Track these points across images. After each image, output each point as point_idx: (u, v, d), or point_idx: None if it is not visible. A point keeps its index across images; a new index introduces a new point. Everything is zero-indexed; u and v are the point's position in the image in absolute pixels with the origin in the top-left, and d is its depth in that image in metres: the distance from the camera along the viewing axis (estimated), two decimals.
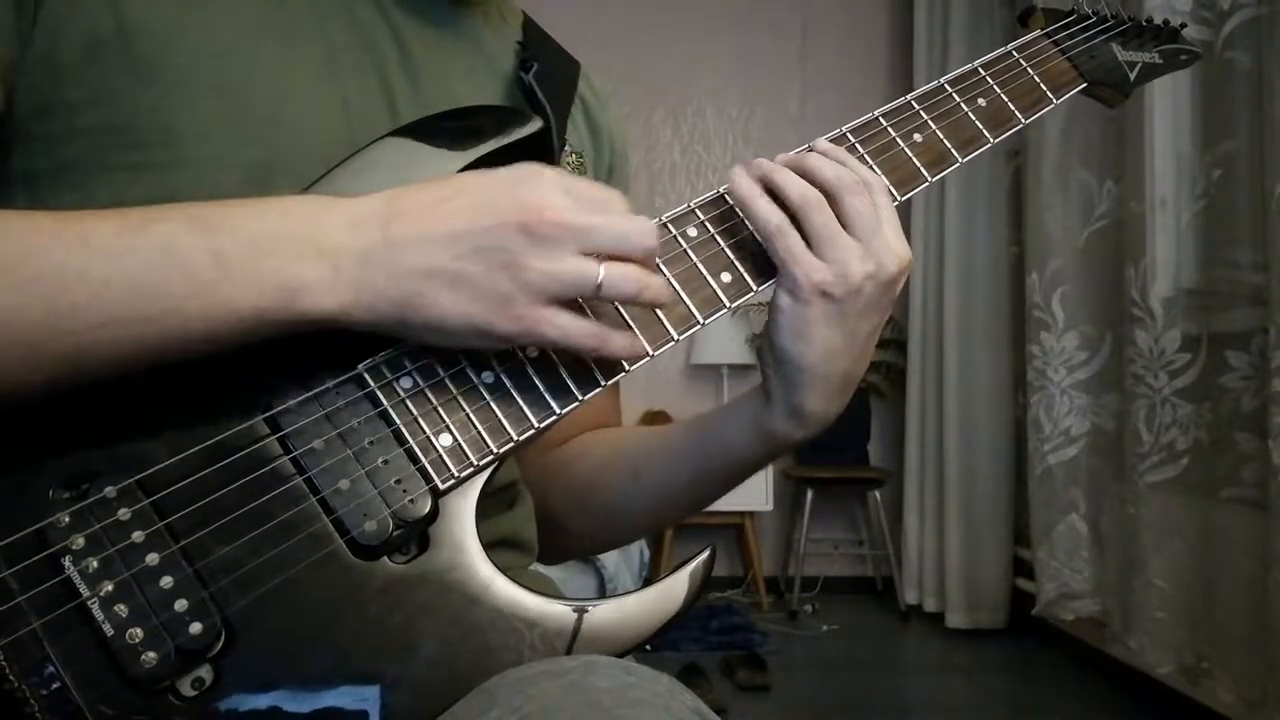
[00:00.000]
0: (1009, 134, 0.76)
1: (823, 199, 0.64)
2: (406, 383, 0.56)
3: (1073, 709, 2.95)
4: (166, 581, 0.50)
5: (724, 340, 4.15)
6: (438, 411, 0.57)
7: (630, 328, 0.60)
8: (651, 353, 0.60)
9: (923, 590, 3.97)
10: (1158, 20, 0.90)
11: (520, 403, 0.58)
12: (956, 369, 3.80)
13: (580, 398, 0.59)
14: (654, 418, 4.16)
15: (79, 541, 0.49)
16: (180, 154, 0.58)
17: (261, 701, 0.50)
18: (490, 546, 0.57)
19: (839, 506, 4.41)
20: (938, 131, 0.73)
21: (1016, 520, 3.74)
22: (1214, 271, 2.52)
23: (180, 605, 0.50)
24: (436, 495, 0.56)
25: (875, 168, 0.69)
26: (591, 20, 4.17)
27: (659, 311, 0.61)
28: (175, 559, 0.51)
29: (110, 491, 0.51)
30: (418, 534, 0.55)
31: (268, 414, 0.54)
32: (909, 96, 0.73)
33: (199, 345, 0.52)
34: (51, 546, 0.49)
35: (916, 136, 0.72)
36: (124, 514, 0.50)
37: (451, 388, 0.57)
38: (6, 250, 0.50)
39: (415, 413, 0.56)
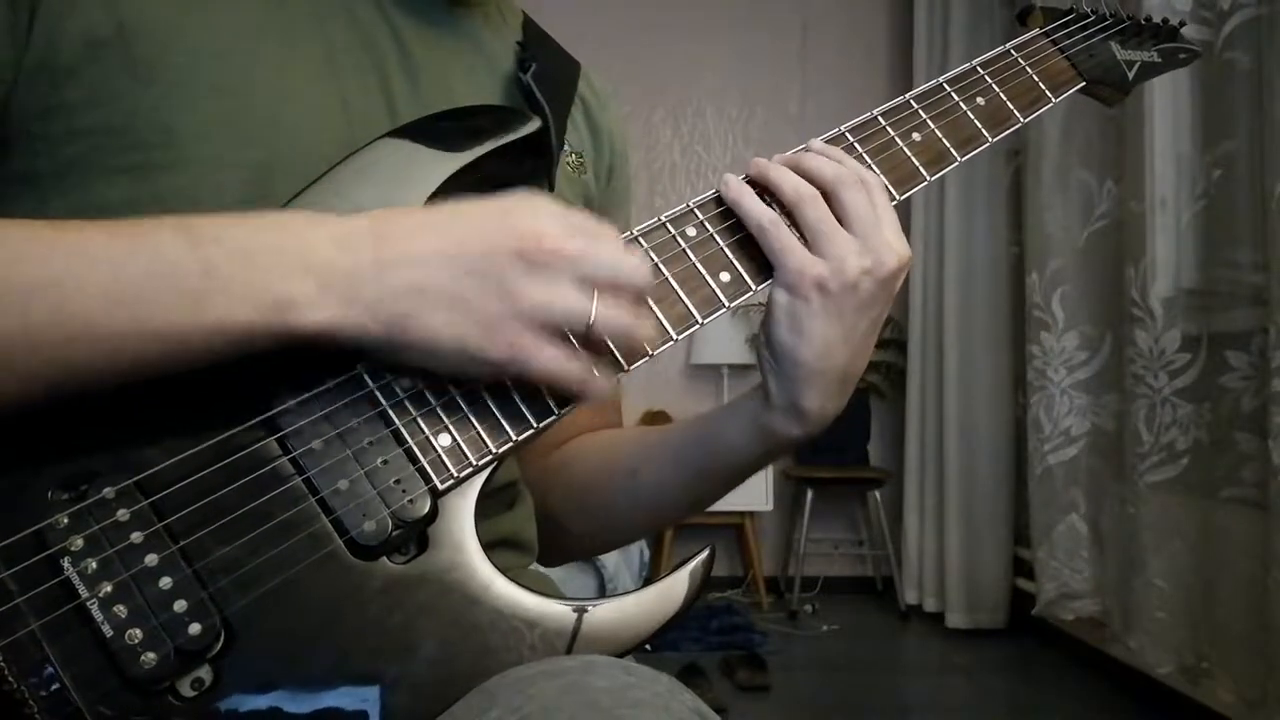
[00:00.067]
0: (1008, 133, 0.76)
1: (817, 195, 0.65)
2: (405, 383, 0.56)
3: (1073, 709, 2.95)
4: (165, 582, 0.50)
5: (724, 340, 4.15)
6: (437, 412, 0.57)
7: (616, 365, 0.59)
8: (651, 352, 0.60)
9: (923, 590, 3.97)
10: (1157, 19, 0.90)
11: (519, 403, 0.58)
12: (956, 369, 3.80)
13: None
14: (654, 418, 4.16)
15: (78, 542, 0.49)
16: (180, 154, 0.58)
17: (261, 702, 0.50)
18: (490, 547, 0.57)
19: (839, 506, 4.41)
20: (936, 131, 0.73)
21: (1016, 520, 3.74)
22: (1214, 271, 2.52)
23: (179, 606, 0.50)
24: (436, 495, 0.55)
25: (874, 167, 0.70)
26: (591, 20, 4.17)
27: (658, 311, 0.61)
28: (174, 560, 0.50)
29: (109, 492, 0.51)
30: (417, 534, 0.55)
31: (267, 414, 0.54)
32: (908, 96, 0.73)
33: (184, 359, 0.51)
34: (50, 547, 0.49)
35: (915, 136, 0.72)
36: (123, 515, 0.50)
37: (450, 388, 0.57)
38: None
39: (414, 413, 0.56)
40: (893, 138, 0.71)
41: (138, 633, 0.49)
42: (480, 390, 0.57)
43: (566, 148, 0.76)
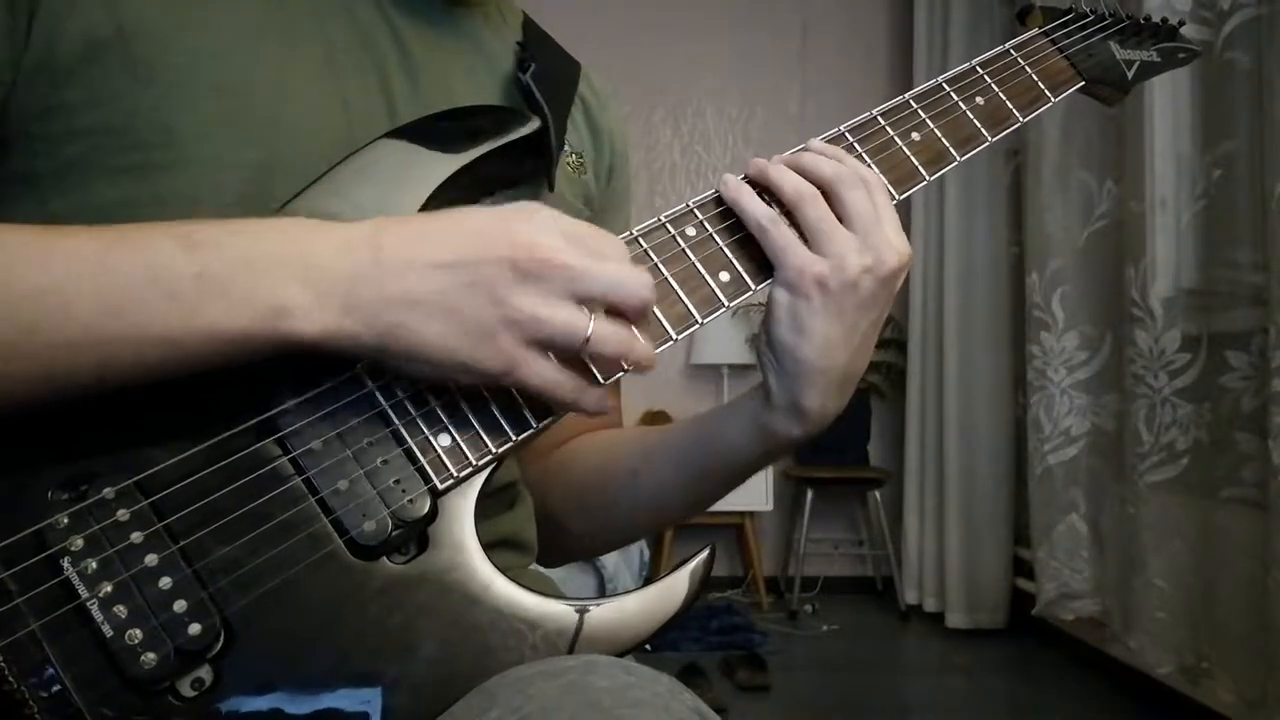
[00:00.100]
0: (1007, 132, 0.76)
1: (817, 193, 0.65)
2: (405, 383, 0.56)
3: (1073, 709, 2.95)
4: (165, 582, 0.50)
5: (724, 340, 4.16)
6: (436, 412, 0.57)
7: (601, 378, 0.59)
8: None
9: (923, 590, 3.97)
10: (1156, 19, 0.90)
11: (519, 403, 0.58)
12: (956, 369, 3.80)
13: None
14: (654, 418, 4.16)
15: (78, 543, 0.49)
16: (180, 154, 0.58)
17: (261, 702, 0.50)
18: (490, 547, 0.57)
19: (839, 506, 4.41)
20: (936, 130, 0.73)
21: (1016, 520, 3.74)
22: (1214, 271, 2.52)
23: (179, 606, 0.50)
24: (435, 495, 0.55)
25: (873, 167, 0.70)
26: (591, 20, 4.17)
27: (658, 310, 0.61)
28: (174, 560, 0.50)
29: (109, 493, 0.51)
30: (417, 534, 0.55)
31: (266, 415, 0.54)
32: (907, 95, 0.73)
33: (180, 365, 0.51)
34: (50, 548, 0.49)
35: (915, 135, 0.72)
36: (123, 515, 0.50)
37: (450, 388, 0.57)
38: None
39: (414, 413, 0.56)
40: (892, 137, 0.71)
41: (138, 633, 0.49)
42: (481, 391, 0.57)
43: (566, 148, 0.76)
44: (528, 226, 0.53)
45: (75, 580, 0.49)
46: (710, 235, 0.65)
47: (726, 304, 0.64)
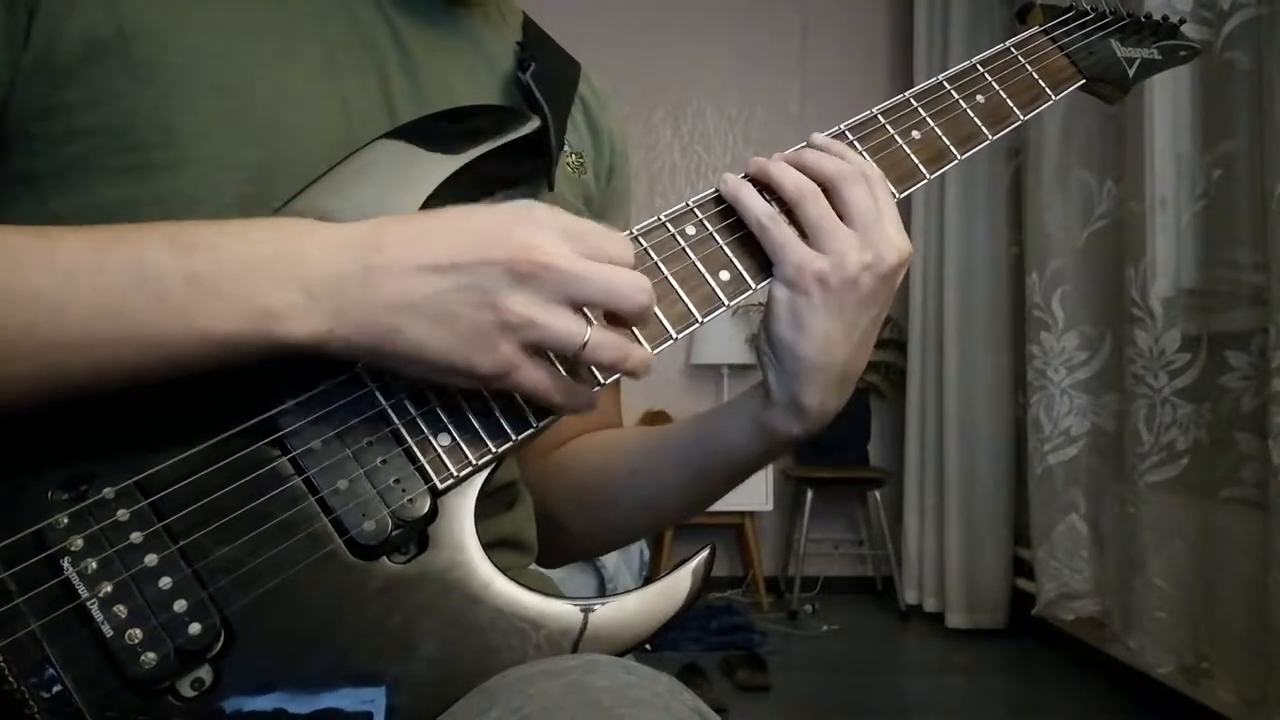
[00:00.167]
0: (1007, 131, 0.76)
1: (818, 190, 0.65)
2: (405, 383, 0.56)
3: (1073, 709, 2.95)
4: (165, 582, 0.50)
5: (724, 340, 4.16)
6: (436, 411, 0.57)
7: (596, 382, 0.59)
8: (652, 354, 0.60)
9: (923, 590, 3.97)
10: (1157, 17, 0.89)
11: (519, 403, 0.58)
12: (956, 369, 3.80)
13: None
14: (654, 418, 4.16)
15: (77, 543, 0.49)
16: (180, 154, 0.58)
17: (261, 702, 0.50)
18: (490, 547, 0.57)
19: (839, 506, 4.41)
20: (936, 129, 0.73)
21: (1016, 520, 3.74)
22: (1214, 271, 2.52)
23: (179, 606, 0.50)
24: (435, 495, 0.55)
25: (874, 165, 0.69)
26: (591, 20, 4.17)
27: (658, 310, 0.61)
28: (174, 560, 0.50)
29: (109, 493, 0.51)
30: (417, 534, 0.55)
31: (266, 415, 0.54)
32: (907, 94, 0.73)
33: (173, 368, 0.51)
34: (50, 548, 0.49)
35: (915, 134, 0.72)
36: (123, 515, 0.50)
37: (450, 388, 0.57)
38: None
39: (413, 412, 0.56)
40: (892, 136, 0.71)
41: (138, 633, 0.49)
42: (480, 391, 0.57)
43: (566, 148, 0.76)
44: (526, 228, 0.53)
45: (75, 580, 0.49)
46: (710, 234, 0.65)
47: (726, 303, 0.64)
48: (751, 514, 4.16)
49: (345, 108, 0.63)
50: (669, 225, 0.64)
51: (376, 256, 0.52)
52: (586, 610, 0.56)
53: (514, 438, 0.58)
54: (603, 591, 3.04)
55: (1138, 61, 0.86)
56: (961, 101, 0.74)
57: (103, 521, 0.50)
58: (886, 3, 4.57)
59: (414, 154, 0.61)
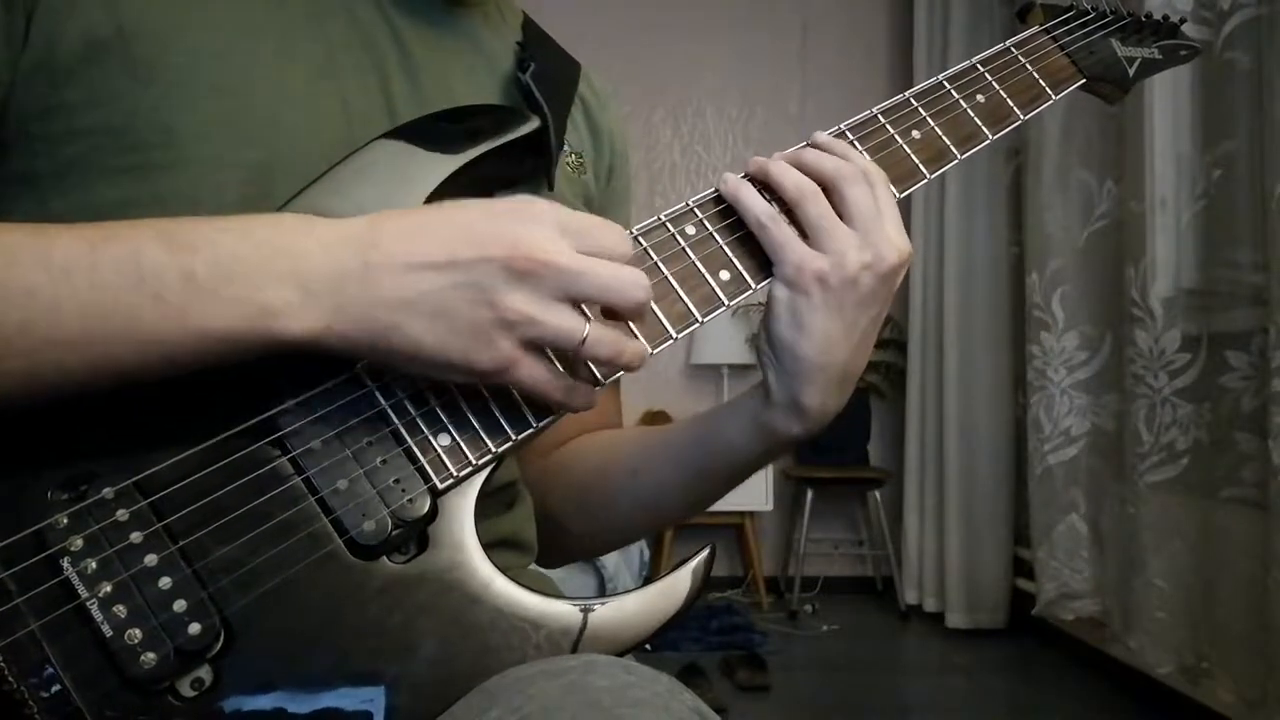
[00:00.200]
0: (1008, 130, 0.76)
1: (818, 190, 0.64)
2: (404, 382, 0.56)
3: (1073, 709, 2.95)
4: (165, 582, 0.50)
5: (724, 340, 4.15)
6: (436, 411, 0.57)
7: (593, 379, 0.59)
8: (651, 351, 0.60)
9: (923, 590, 3.97)
10: (1157, 17, 0.89)
11: (519, 403, 0.58)
12: (956, 369, 3.80)
13: None
14: (654, 418, 4.16)
15: (77, 543, 0.49)
16: (180, 154, 0.58)
17: (261, 702, 0.50)
18: (490, 547, 0.57)
19: (839, 506, 4.41)
20: (936, 128, 0.73)
21: (1016, 520, 3.74)
22: (1214, 271, 2.52)
23: (179, 606, 0.50)
24: (435, 495, 0.55)
25: None
26: (591, 20, 4.17)
27: (657, 309, 0.61)
28: (174, 560, 0.50)
29: (108, 493, 0.51)
30: (417, 534, 0.55)
31: (266, 415, 0.54)
32: (907, 94, 0.73)
33: (171, 367, 0.51)
34: (50, 548, 0.49)
35: (915, 134, 0.72)
36: (122, 515, 0.50)
37: (450, 387, 0.57)
38: None
39: (413, 412, 0.56)
40: (892, 135, 0.71)
41: (137, 633, 0.49)
42: (480, 390, 0.57)
43: (566, 148, 0.76)
44: (524, 225, 0.53)
45: (75, 580, 0.49)
46: (710, 234, 0.65)
47: (726, 303, 0.64)
48: (751, 514, 4.16)
49: (345, 108, 0.63)
50: (669, 225, 0.64)
51: (374, 253, 0.52)
52: (586, 610, 0.56)
53: (514, 438, 0.58)
54: (603, 591, 3.04)
55: (1138, 61, 0.86)
56: (961, 101, 0.74)
57: (102, 521, 0.50)
58: (886, 3, 4.57)
59: (414, 154, 0.61)
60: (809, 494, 4.09)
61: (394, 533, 0.54)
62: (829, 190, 0.65)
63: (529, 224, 0.53)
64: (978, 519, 3.73)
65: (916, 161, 0.71)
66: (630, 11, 4.47)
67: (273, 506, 0.53)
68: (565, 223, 0.54)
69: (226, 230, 0.52)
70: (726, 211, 0.66)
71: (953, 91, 0.75)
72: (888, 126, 0.71)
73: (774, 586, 4.32)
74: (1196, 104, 2.58)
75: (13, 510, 0.49)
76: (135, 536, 0.50)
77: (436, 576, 0.55)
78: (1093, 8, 0.85)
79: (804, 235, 0.64)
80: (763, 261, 0.65)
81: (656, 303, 0.61)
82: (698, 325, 0.63)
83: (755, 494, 4.01)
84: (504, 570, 0.56)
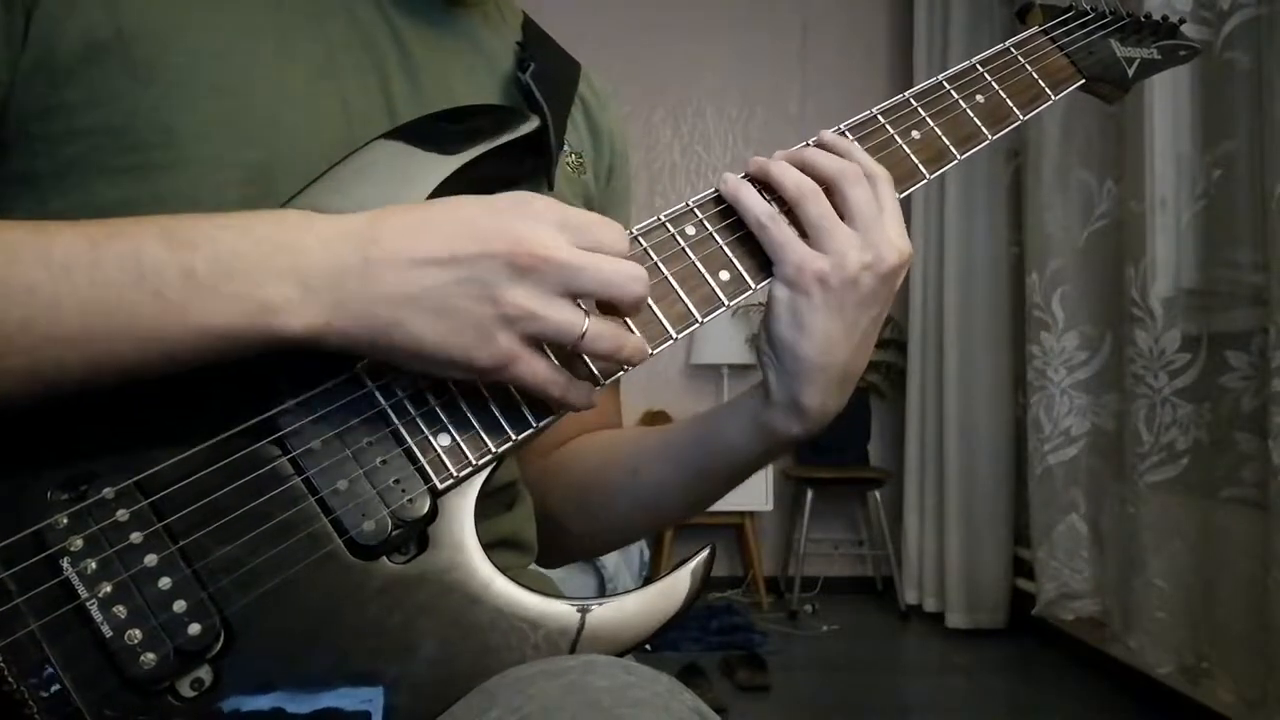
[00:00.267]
0: (1007, 131, 0.76)
1: (818, 190, 0.64)
2: (404, 382, 0.56)
3: (1073, 709, 2.95)
4: (165, 582, 0.50)
5: (724, 340, 4.16)
6: (436, 411, 0.57)
7: (593, 378, 0.59)
8: (650, 351, 0.60)
9: (923, 590, 3.97)
10: (1156, 17, 0.89)
11: (519, 403, 0.58)
12: (956, 369, 3.80)
13: None
14: (654, 418, 4.16)
15: (77, 543, 0.49)
16: (180, 154, 0.58)
17: (261, 702, 0.50)
18: (490, 547, 0.57)
19: (839, 506, 4.41)
20: (936, 129, 0.73)
21: (1016, 520, 3.74)
22: (1214, 271, 2.52)
23: (179, 606, 0.50)
24: (435, 495, 0.55)
25: None
26: (591, 20, 4.17)
27: (657, 310, 0.61)
28: (174, 560, 0.50)
29: (108, 493, 0.51)
30: (417, 534, 0.55)
31: (266, 415, 0.54)
32: (907, 94, 0.73)
33: (171, 364, 0.51)
34: (50, 548, 0.49)
35: (915, 134, 0.72)
36: (122, 515, 0.50)
37: (450, 387, 0.57)
38: None
39: (413, 412, 0.56)
40: (892, 135, 0.71)
41: (137, 633, 0.48)
42: (480, 390, 0.57)
43: (566, 148, 0.76)
44: (525, 221, 0.53)
45: (75, 580, 0.49)
46: (710, 234, 0.65)
47: (726, 303, 0.64)
48: (751, 514, 4.16)
49: (345, 108, 0.63)
50: (669, 225, 0.64)
51: (375, 249, 0.52)
52: (584, 610, 0.56)
53: (514, 437, 0.58)
54: (603, 591, 3.04)
55: (1137, 61, 0.86)
56: (961, 101, 0.74)
57: (102, 522, 0.50)
58: (886, 3, 4.57)
59: (413, 154, 0.61)
60: (809, 494, 4.09)
61: (394, 533, 0.54)
62: (830, 190, 0.65)
63: (530, 220, 0.53)
64: (978, 519, 3.73)
65: (916, 162, 0.71)
66: (630, 11, 4.47)
67: (273, 507, 0.53)
68: (565, 219, 0.54)
69: (227, 227, 0.52)
70: (726, 211, 0.66)
71: (952, 92, 0.75)
72: (887, 127, 0.71)
73: (774, 586, 4.32)
74: (1196, 104, 2.58)
75: (13, 510, 0.49)
76: (135, 536, 0.50)
77: (436, 577, 0.55)
78: (1092, 8, 0.85)
79: (804, 235, 0.64)
80: (763, 261, 0.65)
81: (656, 303, 0.61)
82: (698, 325, 0.63)
83: (755, 494, 4.01)
84: (504, 570, 0.56)
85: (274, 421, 0.54)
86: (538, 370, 0.54)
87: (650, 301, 0.61)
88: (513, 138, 0.64)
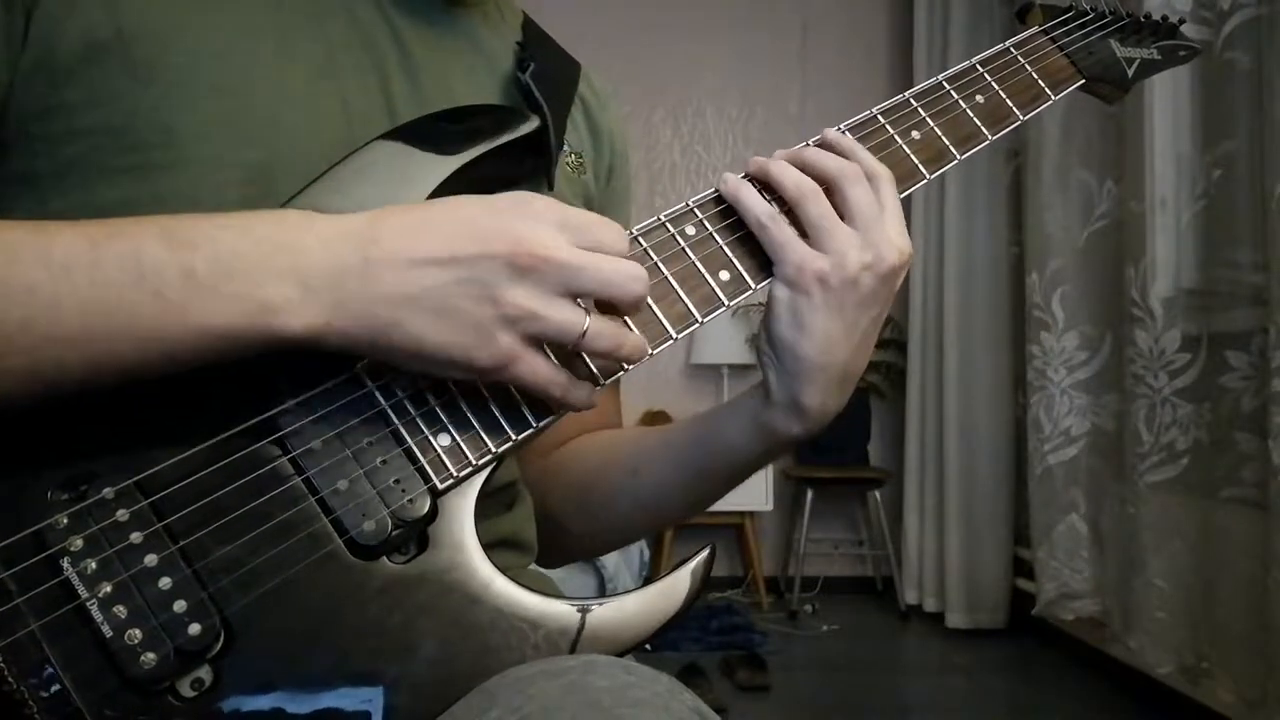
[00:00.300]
0: (1007, 131, 0.76)
1: (818, 190, 0.64)
2: (404, 383, 0.56)
3: (1073, 709, 2.95)
4: (165, 582, 0.50)
5: (724, 340, 4.16)
6: (436, 412, 0.57)
7: (593, 378, 0.59)
8: (650, 351, 0.60)
9: (923, 590, 3.97)
10: (1156, 17, 0.89)
11: (519, 403, 0.58)
12: (956, 369, 3.80)
13: None
14: (654, 418, 4.16)
15: (77, 543, 0.49)
16: (180, 154, 0.58)
17: (261, 702, 0.50)
18: (490, 547, 0.57)
19: (839, 506, 4.41)
20: (936, 129, 0.73)
21: (1016, 520, 3.74)
22: (1214, 271, 2.52)
23: (179, 606, 0.50)
24: (435, 495, 0.55)
25: None
26: (591, 20, 4.17)
27: (657, 310, 0.61)
28: (174, 560, 0.50)
29: (109, 493, 0.51)
30: (417, 534, 0.55)
31: (266, 415, 0.54)
32: (907, 94, 0.73)
33: (171, 364, 0.51)
34: (50, 548, 0.49)
35: (915, 134, 0.72)
36: (122, 515, 0.50)
37: (450, 387, 0.57)
38: None
39: (413, 412, 0.56)
40: (892, 136, 0.71)
41: (137, 633, 0.48)
42: (480, 390, 0.57)
43: (566, 148, 0.76)
44: (526, 222, 0.53)
45: (75, 580, 0.49)
46: (710, 234, 0.65)
47: (726, 303, 0.64)
48: (751, 514, 4.16)
49: (345, 108, 0.63)
50: (669, 225, 0.64)
51: (375, 249, 0.52)
52: (584, 610, 0.56)
53: (514, 438, 0.58)
54: (603, 591, 3.04)
55: (1137, 61, 0.86)
56: (961, 101, 0.74)
57: (102, 522, 0.50)
58: (886, 3, 4.57)
59: (413, 154, 0.61)
60: (809, 494, 4.09)
61: (394, 533, 0.54)
62: (830, 189, 0.65)
63: (530, 220, 0.53)
64: (978, 519, 3.73)
65: (916, 162, 0.71)
66: (630, 11, 4.47)
67: (273, 507, 0.53)
68: (565, 219, 0.54)
69: (227, 227, 0.52)
70: (726, 211, 0.66)
71: (952, 92, 0.75)
72: (887, 127, 0.71)
73: (774, 586, 4.32)
74: (1196, 104, 2.58)
75: (13, 510, 0.49)
76: (135, 537, 0.50)
77: (436, 577, 0.55)
78: (1092, 8, 0.85)
79: (804, 235, 0.64)
80: (763, 261, 0.65)
81: (656, 303, 0.61)
82: (698, 325, 0.63)
83: (755, 494, 4.01)
84: (504, 570, 0.56)
85: (274, 421, 0.54)
86: (538, 370, 0.54)
87: (650, 301, 0.61)
88: (513, 138, 0.64)
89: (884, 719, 2.93)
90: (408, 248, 0.52)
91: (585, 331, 0.53)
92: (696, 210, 0.66)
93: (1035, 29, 0.82)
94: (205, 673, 0.50)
